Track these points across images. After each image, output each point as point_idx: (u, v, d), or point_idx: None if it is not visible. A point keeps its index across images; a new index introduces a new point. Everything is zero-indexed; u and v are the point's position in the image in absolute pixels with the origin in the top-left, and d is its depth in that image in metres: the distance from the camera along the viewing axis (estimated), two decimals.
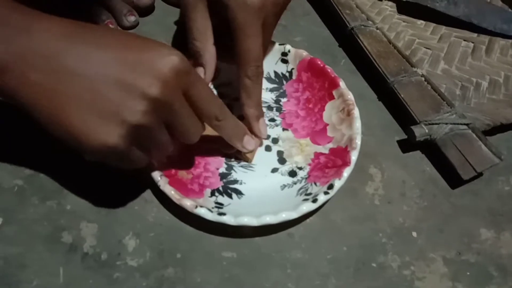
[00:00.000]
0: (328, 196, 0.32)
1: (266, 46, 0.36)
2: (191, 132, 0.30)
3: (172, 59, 0.26)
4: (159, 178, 0.32)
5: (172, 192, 0.31)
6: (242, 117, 0.35)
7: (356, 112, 0.36)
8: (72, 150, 0.27)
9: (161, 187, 0.32)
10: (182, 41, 0.35)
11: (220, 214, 0.31)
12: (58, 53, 0.25)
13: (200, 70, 0.35)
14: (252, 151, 0.36)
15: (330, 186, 0.32)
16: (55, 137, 0.26)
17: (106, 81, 0.25)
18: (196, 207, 0.31)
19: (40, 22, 0.26)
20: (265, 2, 0.32)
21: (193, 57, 0.35)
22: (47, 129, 0.26)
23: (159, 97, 0.26)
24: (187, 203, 0.31)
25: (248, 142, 0.35)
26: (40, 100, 0.25)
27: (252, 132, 0.35)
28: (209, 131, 0.32)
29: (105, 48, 0.26)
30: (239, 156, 0.37)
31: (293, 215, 0.31)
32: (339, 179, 0.32)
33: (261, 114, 0.36)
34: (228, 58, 0.35)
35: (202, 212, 0.31)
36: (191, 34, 0.34)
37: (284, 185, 0.35)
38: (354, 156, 0.34)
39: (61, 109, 0.25)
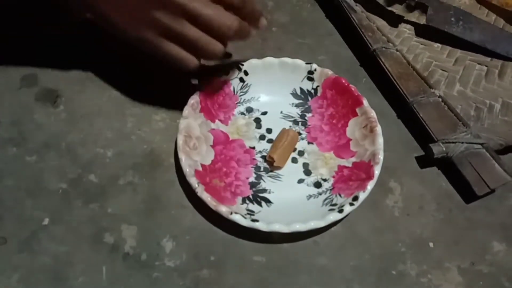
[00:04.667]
0: (353, 207, 0.34)
1: None
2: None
3: None
4: (197, 186, 0.34)
5: (209, 198, 0.34)
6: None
7: (378, 129, 0.38)
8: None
9: (199, 194, 0.34)
10: None
11: (253, 220, 0.33)
12: None
13: None
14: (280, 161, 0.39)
15: (355, 198, 0.34)
16: (113, 25, 0.35)
17: None
18: (231, 213, 0.33)
19: None
20: None
21: None
22: (110, 19, 0.35)
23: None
24: (223, 209, 0.33)
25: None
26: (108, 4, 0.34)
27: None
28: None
29: None
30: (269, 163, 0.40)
31: (321, 223, 0.33)
32: (363, 191, 0.35)
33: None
34: None
35: (237, 218, 0.33)
36: None
37: (310, 195, 0.38)
38: (377, 170, 0.36)
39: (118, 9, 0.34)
